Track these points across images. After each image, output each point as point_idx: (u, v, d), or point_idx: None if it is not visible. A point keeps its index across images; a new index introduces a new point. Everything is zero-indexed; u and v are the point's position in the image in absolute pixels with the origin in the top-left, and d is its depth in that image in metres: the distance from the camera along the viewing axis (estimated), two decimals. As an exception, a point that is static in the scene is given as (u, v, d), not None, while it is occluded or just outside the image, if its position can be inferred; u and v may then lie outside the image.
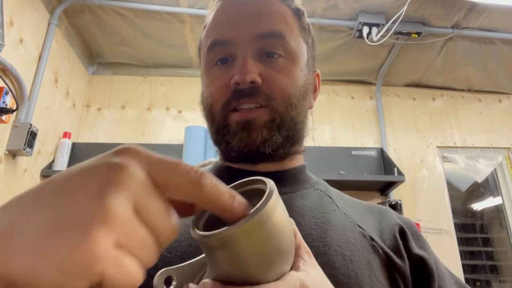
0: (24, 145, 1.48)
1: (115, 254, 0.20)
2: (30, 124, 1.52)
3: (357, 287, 0.41)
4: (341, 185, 2.01)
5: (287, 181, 0.53)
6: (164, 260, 0.40)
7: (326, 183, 0.59)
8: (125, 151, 0.23)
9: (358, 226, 0.48)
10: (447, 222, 2.09)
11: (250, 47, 0.50)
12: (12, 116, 1.50)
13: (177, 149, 2.02)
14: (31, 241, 0.19)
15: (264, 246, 0.26)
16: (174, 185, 0.23)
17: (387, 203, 2.03)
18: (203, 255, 0.30)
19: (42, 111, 1.72)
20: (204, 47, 0.55)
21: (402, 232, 0.50)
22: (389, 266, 0.45)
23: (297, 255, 0.31)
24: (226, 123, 0.50)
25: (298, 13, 0.56)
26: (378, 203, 2.05)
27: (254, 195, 0.28)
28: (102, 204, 0.20)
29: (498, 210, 2.32)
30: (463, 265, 2.02)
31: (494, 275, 2.26)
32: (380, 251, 0.46)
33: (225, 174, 0.54)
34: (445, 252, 2.02)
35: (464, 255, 2.11)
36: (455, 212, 2.17)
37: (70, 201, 0.20)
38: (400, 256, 0.46)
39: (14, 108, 1.43)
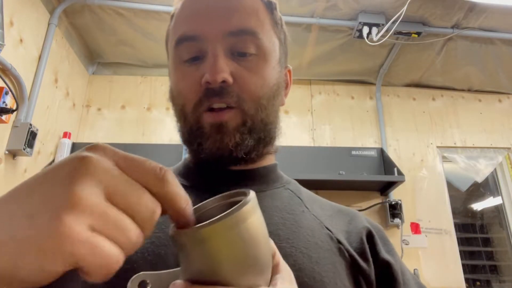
0: (24, 145, 1.48)
1: (86, 236, 0.21)
2: (30, 124, 1.52)
3: None
4: (341, 185, 2.02)
5: (257, 180, 0.52)
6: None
7: (297, 183, 0.58)
8: (94, 146, 0.25)
9: (326, 228, 0.48)
10: (447, 222, 2.09)
11: (221, 43, 0.48)
12: (12, 116, 1.50)
13: (177, 149, 2.02)
14: (6, 231, 0.21)
15: (237, 248, 0.26)
16: (139, 177, 0.24)
17: (387, 203, 2.03)
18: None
19: (42, 111, 1.72)
20: (172, 40, 0.53)
21: (369, 236, 0.50)
22: (354, 269, 0.45)
23: (274, 273, 0.31)
24: (199, 125, 0.49)
25: (270, 7, 0.54)
26: (378, 203, 2.06)
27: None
28: (69, 190, 0.21)
29: (498, 210, 2.32)
30: (463, 265, 2.02)
31: (494, 275, 2.26)
32: (346, 254, 0.46)
33: (195, 172, 0.54)
34: (445, 252, 2.02)
35: (464, 255, 2.11)
36: (455, 212, 2.17)
37: (41, 191, 0.22)
38: (365, 259, 0.46)
39: (14, 108, 1.43)
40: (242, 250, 0.26)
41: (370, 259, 0.47)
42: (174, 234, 0.27)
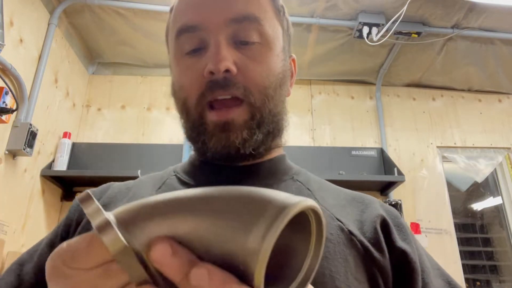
0: (24, 145, 1.48)
1: None
2: (30, 124, 1.52)
3: (331, 285, 0.39)
4: (341, 185, 2.00)
5: (263, 174, 0.51)
6: None
7: (307, 173, 0.56)
8: None
9: (337, 219, 0.46)
10: (447, 222, 2.09)
11: (223, 32, 0.46)
12: (12, 116, 1.50)
13: (177, 149, 2.02)
14: None
15: None
16: None
17: (387, 203, 2.02)
18: None
19: (42, 111, 1.72)
20: (173, 33, 0.51)
21: (384, 224, 0.47)
22: (367, 261, 0.43)
23: None
24: (202, 121, 0.47)
25: None
26: (378, 203, 2.06)
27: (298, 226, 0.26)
28: None
29: (498, 210, 2.32)
30: (463, 265, 2.01)
31: (494, 275, 2.26)
32: (359, 245, 0.44)
33: (199, 170, 0.53)
34: (445, 252, 2.02)
35: (464, 255, 2.11)
36: (455, 212, 2.17)
37: None
38: (380, 250, 0.44)
39: (14, 108, 1.43)
40: None
41: (385, 249, 0.44)
42: None
